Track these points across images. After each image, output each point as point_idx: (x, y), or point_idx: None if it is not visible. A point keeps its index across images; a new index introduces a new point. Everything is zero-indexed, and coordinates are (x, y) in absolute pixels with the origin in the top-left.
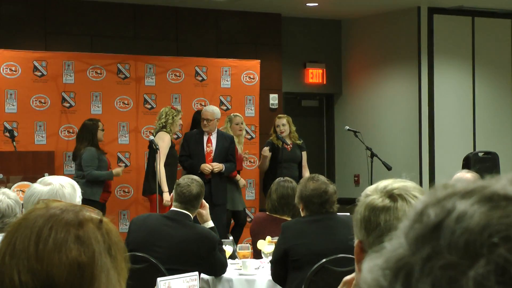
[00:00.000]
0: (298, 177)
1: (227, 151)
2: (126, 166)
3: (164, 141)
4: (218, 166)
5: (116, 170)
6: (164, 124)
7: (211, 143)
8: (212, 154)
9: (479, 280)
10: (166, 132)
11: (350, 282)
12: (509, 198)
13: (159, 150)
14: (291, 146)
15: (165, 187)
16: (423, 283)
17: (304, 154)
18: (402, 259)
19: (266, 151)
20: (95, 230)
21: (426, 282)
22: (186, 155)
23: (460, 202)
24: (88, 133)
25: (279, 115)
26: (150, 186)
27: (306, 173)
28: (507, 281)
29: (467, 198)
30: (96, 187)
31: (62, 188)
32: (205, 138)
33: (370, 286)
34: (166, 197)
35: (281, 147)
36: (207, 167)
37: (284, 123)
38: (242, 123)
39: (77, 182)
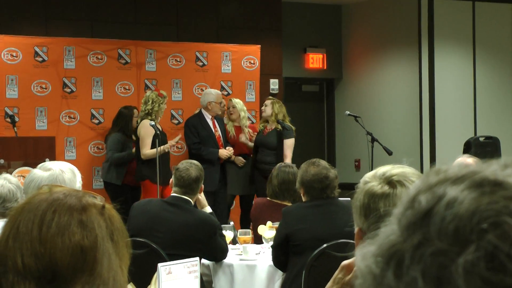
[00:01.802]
0: (273, 164)
1: (224, 132)
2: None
3: (147, 129)
4: (232, 150)
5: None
6: (149, 111)
7: (216, 127)
8: (222, 138)
9: (469, 267)
10: (151, 119)
11: (347, 266)
12: (499, 183)
13: (159, 135)
14: (269, 130)
15: (164, 146)
16: (413, 270)
17: (286, 142)
18: (394, 246)
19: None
20: (97, 215)
21: (416, 269)
22: (198, 142)
23: (451, 188)
24: (122, 120)
25: (268, 97)
26: (141, 172)
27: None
28: (496, 267)
29: (458, 184)
30: (120, 171)
31: (62, 173)
32: (211, 123)
33: (363, 274)
34: (171, 142)
35: (260, 130)
36: (226, 152)
37: (266, 104)
38: (233, 107)
39: (104, 166)
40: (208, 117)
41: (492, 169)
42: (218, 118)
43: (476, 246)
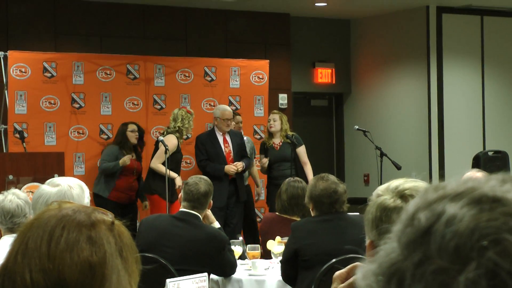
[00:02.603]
0: (294, 176)
1: (241, 147)
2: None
3: (170, 145)
4: (241, 165)
5: (123, 159)
6: (180, 128)
7: (228, 143)
8: (232, 154)
9: (470, 285)
10: (177, 136)
11: (341, 276)
12: (498, 199)
13: (168, 150)
14: (280, 144)
15: (173, 174)
16: None
17: (300, 150)
18: (394, 264)
19: (264, 161)
20: (107, 231)
21: (418, 287)
22: (206, 158)
23: (449, 205)
24: (119, 133)
25: (273, 111)
26: (150, 187)
27: (306, 169)
28: (497, 285)
29: (456, 201)
30: (109, 184)
31: (71, 189)
32: (221, 139)
33: None
34: (178, 181)
35: (269, 147)
36: (232, 168)
37: (275, 119)
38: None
39: (97, 177)
40: (218, 133)
41: (490, 185)
42: (233, 133)
43: (477, 264)
